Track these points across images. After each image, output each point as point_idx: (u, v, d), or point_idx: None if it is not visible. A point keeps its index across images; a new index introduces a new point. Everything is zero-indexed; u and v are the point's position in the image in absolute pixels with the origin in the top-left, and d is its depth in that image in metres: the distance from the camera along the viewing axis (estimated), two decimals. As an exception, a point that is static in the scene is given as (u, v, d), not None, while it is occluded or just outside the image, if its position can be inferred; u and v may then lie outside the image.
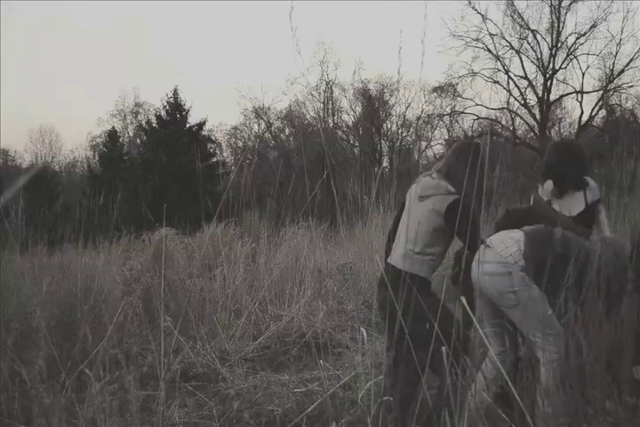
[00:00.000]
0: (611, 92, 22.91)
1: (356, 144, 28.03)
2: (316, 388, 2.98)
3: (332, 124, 27.50)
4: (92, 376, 1.85)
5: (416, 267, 2.42)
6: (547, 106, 23.77)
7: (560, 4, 22.75)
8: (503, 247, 2.22)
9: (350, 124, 28.31)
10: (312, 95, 27.28)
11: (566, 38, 23.17)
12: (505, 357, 2.20)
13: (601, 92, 23.04)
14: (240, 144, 29.36)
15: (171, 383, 2.75)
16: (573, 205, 2.84)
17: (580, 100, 23.63)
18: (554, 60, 23.48)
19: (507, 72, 23.86)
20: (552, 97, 24.00)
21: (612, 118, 22.66)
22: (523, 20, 23.27)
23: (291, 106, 28.00)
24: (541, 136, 23.25)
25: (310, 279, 4.88)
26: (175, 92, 22.03)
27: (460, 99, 24.89)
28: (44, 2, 44.00)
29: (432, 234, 2.43)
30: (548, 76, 23.68)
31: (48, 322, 3.13)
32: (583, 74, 23.33)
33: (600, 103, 22.93)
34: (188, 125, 22.01)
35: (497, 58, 23.69)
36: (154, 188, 19.42)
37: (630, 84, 22.09)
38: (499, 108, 23.96)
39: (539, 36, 23.52)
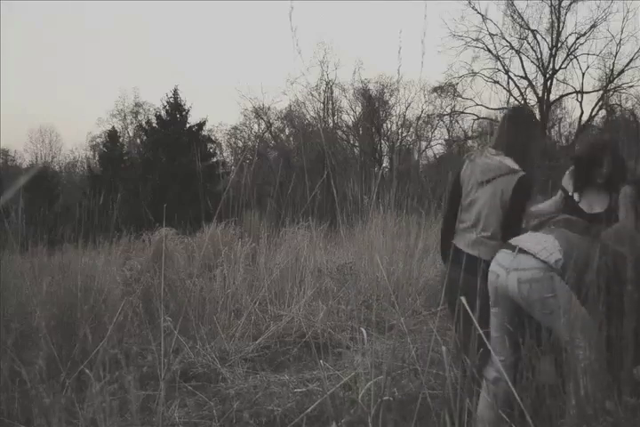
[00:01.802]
0: (611, 92, 22.94)
1: (356, 144, 28.03)
2: (316, 388, 2.98)
3: (332, 124, 27.51)
4: (92, 376, 1.84)
5: (487, 253, 2.33)
6: (547, 106, 23.77)
7: (560, 3, 22.78)
8: (546, 253, 2.09)
9: (350, 124, 28.35)
10: (312, 95, 27.32)
11: (566, 38, 23.23)
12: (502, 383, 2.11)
13: (601, 92, 23.06)
14: (240, 144, 29.39)
15: (171, 383, 2.75)
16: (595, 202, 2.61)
17: (580, 100, 23.70)
18: (554, 60, 23.52)
19: (507, 72, 23.92)
20: (552, 97, 24.07)
21: (612, 118, 22.67)
22: (523, 20, 23.33)
23: (291, 106, 28.05)
24: (541, 136, 23.24)
25: (310, 279, 4.88)
26: (175, 92, 22.09)
27: (460, 99, 24.97)
28: (43, 2, 44.06)
29: (502, 217, 2.35)
30: (548, 76, 23.70)
31: (48, 322, 3.13)
32: (583, 74, 23.40)
33: (600, 103, 22.95)
34: (188, 125, 22.03)
35: (497, 58, 23.74)
36: (154, 188, 19.43)
37: (630, 84, 22.15)
38: (499, 108, 23.93)
39: (539, 36, 23.60)
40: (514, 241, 2.21)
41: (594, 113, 23.21)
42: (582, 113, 23.46)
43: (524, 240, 2.20)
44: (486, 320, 2.13)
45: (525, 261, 2.10)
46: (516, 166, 2.34)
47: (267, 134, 28.92)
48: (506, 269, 2.14)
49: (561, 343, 1.92)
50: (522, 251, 2.14)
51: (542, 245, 2.13)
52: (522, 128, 2.34)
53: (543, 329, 2.00)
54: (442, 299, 2.88)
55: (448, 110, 25.57)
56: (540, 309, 2.06)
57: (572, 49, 23.25)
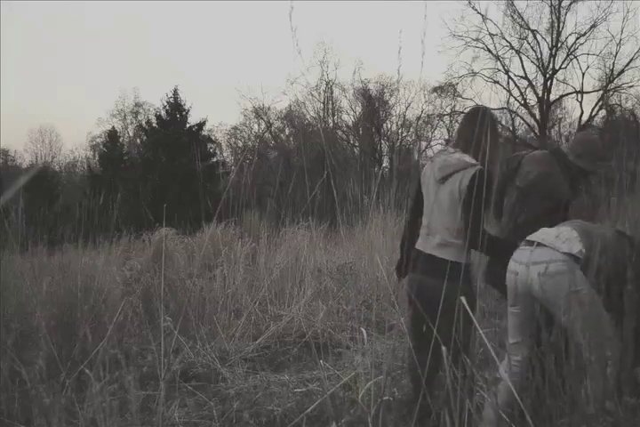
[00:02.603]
0: (611, 92, 22.92)
1: (356, 144, 28.03)
2: (316, 388, 2.98)
3: (332, 124, 27.50)
4: (92, 376, 1.85)
5: (455, 254, 2.29)
6: (547, 106, 23.76)
7: (560, 3, 22.76)
8: (567, 245, 2.05)
9: (350, 124, 28.34)
10: (312, 95, 27.33)
11: (566, 38, 23.22)
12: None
13: (601, 92, 23.04)
14: (240, 144, 29.39)
15: (171, 383, 2.75)
16: None
17: (580, 100, 23.67)
18: (554, 60, 23.50)
19: (507, 72, 23.89)
20: (552, 97, 24.04)
21: (612, 118, 22.67)
22: (523, 20, 23.31)
23: (291, 106, 28.06)
24: (541, 136, 23.25)
25: (310, 279, 4.88)
26: (175, 92, 22.07)
27: (460, 99, 24.94)
28: (43, 2, 44.07)
29: (462, 213, 2.29)
30: (548, 76, 23.68)
31: (48, 322, 3.13)
32: (583, 74, 23.38)
33: (600, 103, 22.93)
34: (188, 125, 22.01)
35: (497, 58, 23.71)
36: (154, 188, 19.42)
37: (630, 84, 22.12)
38: (499, 108, 23.89)
39: (539, 36, 23.57)
40: (531, 237, 2.20)
41: (594, 113, 23.20)
42: (582, 113, 23.47)
43: (541, 235, 2.18)
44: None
45: (546, 254, 2.07)
46: (473, 161, 2.32)
47: (267, 134, 28.94)
48: (525, 265, 2.11)
49: (571, 340, 1.90)
50: (540, 245, 2.12)
51: (561, 238, 2.09)
52: (478, 126, 2.30)
53: (544, 329, 1.99)
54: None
55: (448, 110, 25.58)
56: (560, 304, 2.01)
57: (572, 49, 23.27)
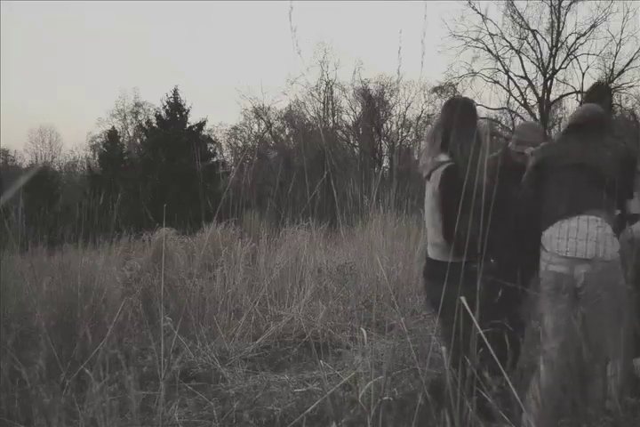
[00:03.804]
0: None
1: (356, 144, 28.04)
2: (316, 388, 2.98)
3: (332, 124, 27.52)
4: (92, 376, 1.85)
5: (443, 254, 2.28)
6: (547, 106, 23.77)
7: (560, 3, 22.79)
8: (603, 249, 2.15)
9: (350, 124, 28.37)
10: (312, 95, 27.36)
11: (566, 38, 23.25)
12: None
13: (601, 92, 23.05)
14: (240, 144, 29.41)
15: (171, 383, 2.75)
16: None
17: (579, 100, 23.65)
18: (554, 60, 23.52)
19: (507, 72, 23.92)
20: (552, 97, 24.07)
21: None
22: (523, 20, 23.35)
23: (291, 106, 28.09)
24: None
25: (310, 279, 4.87)
26: (175, 92, 22.06)
27: (460, 99, 24.88)
28: (43, 2, 44.08)
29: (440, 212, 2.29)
30: (548, 76, 23.70)
31: (48, 322, 3.12)
32: (583, 74, 23.40)
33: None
34: (187, 125, 22.00)
35: (497, 58, 23.74)
36: (154, 188, 19.41)
37: (630, 84, 22.18)
38: (499, 108, 23.99)
39: (539, 36, 23.62)
40: (564, 240, 2.24)
41: (594, 113, 23.16)
42: (582, 113, 23.42)
43: (578, 238, 2.21)
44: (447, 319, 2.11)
45: (588, 253, 2.14)
46: (445, 159, 2.30)
47: (267, 134, 28.96)
48: (568, 265, 2.18)
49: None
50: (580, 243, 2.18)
51: (600, 241, 2.16)
52: (448, 116, 2.33)
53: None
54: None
55: (448, 110, 25.52)
56: (598, 301, 2.09)
57: (572, 49, 23.30)
